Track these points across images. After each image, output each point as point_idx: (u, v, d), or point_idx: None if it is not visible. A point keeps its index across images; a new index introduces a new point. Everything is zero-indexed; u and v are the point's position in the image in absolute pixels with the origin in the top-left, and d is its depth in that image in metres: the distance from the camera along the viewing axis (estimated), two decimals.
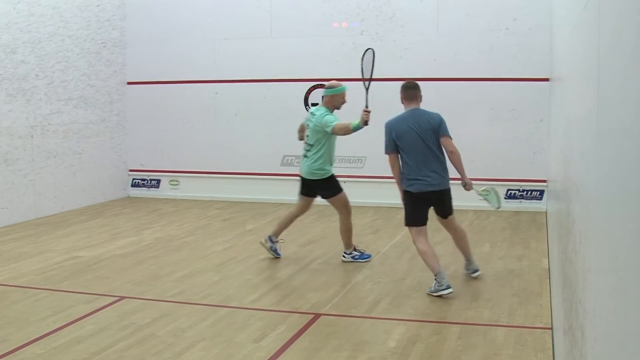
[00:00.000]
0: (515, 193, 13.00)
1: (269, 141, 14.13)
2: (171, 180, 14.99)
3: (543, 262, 9.19)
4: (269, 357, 5.98)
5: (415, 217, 8.15)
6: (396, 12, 13.37)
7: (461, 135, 13.03)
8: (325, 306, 7.46)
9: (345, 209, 9.39)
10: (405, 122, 8.21)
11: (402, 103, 8.47)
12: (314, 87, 13.83)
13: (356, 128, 9.02)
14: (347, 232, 9.38)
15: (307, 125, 9.47)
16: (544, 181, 12.63)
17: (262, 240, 9.56)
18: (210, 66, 14.48)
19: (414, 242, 8.14)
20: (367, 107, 9.09)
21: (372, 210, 13.10)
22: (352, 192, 13.55)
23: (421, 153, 8.09)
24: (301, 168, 9.54)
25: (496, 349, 6.15)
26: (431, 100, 13.08)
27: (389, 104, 13.53)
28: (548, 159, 11.98)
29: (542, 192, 12.82)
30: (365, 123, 8.93)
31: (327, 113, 9.34)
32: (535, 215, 12.40)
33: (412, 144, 8.12)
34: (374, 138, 13.46)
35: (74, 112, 13.59)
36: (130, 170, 15.26)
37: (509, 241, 10.52)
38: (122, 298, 7.79)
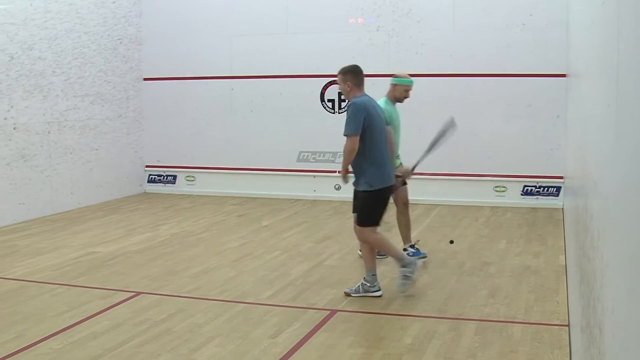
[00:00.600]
0: (531, 189, 12.95)
1: (285, 137, 14.13)
2: (187, 176, 15.01)
3: (560, 258, 9.15)
4: (285, 353, 5.98)
5: (378, 215, 7.78)
6: (412, 7, 13.34)
7: (477, 132, 13.07)
8: (341, 302, 7.45)
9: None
10: (373, 106, 7.68)
11: (349, 89, 7.69)
12: (330, 83, 13.82)
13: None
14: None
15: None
16: (561, 177, 12.58)
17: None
18: (226, 62, 14.48)
19: (366, 239, 7.72)
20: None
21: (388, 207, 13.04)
22: None
23: (383, 143, 7.70)
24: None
25: (512, 345, 6.13)
26: (447, 96, 13.13)
27: (408, 101, 13.55)
28: (565, 155, 11.94)
29: (558, 188, 12.77)
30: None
31: (385, 105, 8.72)
32: (552, 212, 12.35)
33: (380, 132, 7.63)
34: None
35: (90, 108, 13.62)
36: (147, 166, 15.29)
37: (526, 238, 10.48)
38: (138, 294, 7.81)
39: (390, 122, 8.50)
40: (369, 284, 7.62)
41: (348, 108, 7.60)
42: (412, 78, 9.01)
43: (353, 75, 7.74)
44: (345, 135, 7.47)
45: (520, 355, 5.90)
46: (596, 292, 3.36)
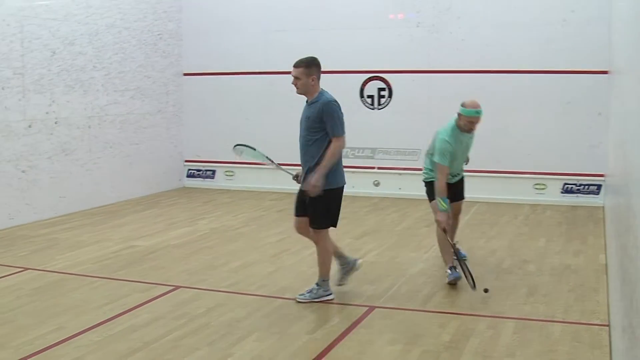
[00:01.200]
0: (572, 187, 12.84)
1: None
2: (226, 171, 15.07)
3: (600, 257, 9.06)
4: (323, 349, 5.98)
5: (337, 215, 7.47)
6: (452, 3, 13.26)
7: (517, 128, 12.99)
8: (379, 299, 7.43)
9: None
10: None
11: (313, 83, 7.35)
12: (370, 79, 13.80)
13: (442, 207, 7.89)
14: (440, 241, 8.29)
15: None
16: (602, 175, 12.46)
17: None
18: (264, 58, 14.50)
19: (323, 243, 7.40)
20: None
21: (427, 203, 12.96)
22: (407, 185, 13.59)
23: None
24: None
25: (552, 345, 6.08)
26: (487, 92, 13.03)
27: (448, 97, 13.50)
28: (606, 152, 11.83)
29: (599, 186, 12.64)
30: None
31: (443, 136, 8.12)
32: (592, 210, 12.23)
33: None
34: (431, 131, 13.44)
35: (130, 103, 13.72)
36: (186, 161, 15.37)
37: (566, 236, 10.39)
38: (177, 287, 7.85)
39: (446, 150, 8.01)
40: (322, 289, 7.37)
41: (324, 107, 7.21)
42: (480, 109, 8.12)
43: (318, 68, 7.38)
44: (337, 136, 7.16)
45: (560, 355, 5.85)
46: (639, 293, 3.33)
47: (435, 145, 8.15)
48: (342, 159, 7.42)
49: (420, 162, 13.52)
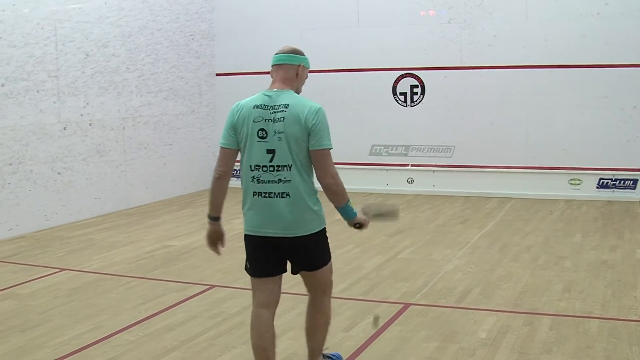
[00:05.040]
0: (607, 182, 12.72)
1: (357, 131, 14.13)
2: None
3: (637, 252, 8.99)
4: (359, 346, 5.97)
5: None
6: None
7: (551, 124, 12.91)
8: (414, 296, 7.41)
9: None
10: None
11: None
12: (402, 77, 13.77)
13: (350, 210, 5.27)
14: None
15: None
16: (638, 170, 12.35)
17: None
18: None
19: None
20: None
21: (461, 200, 12.99)
22: (441, 182, 13.56)
23: None
24: None
25: (589, 341, 6.03)
26: (520, 88, 12.99)
27: (481, 94, 13.46)
28: None
29: (635, 181, 12.52)
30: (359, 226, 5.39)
31: None
32: (628, 205, 12.12)
33: None
34: (464, 127, 13.41)
35: (164, 103, 13.79)
36: None
37: (602, 231, 10.30)
38: (212, 287, 7.88)
39: None
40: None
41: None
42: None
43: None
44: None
45: (597, 351, 5.79)
46: None
47: None
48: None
49: (454, 159, 13.55)
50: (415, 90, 13.73)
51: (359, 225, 5.29)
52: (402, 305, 7.12)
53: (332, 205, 5.07)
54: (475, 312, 6.86)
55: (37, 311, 7.15)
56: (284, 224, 4.91)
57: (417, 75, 13.69)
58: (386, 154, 13.95)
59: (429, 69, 13.64)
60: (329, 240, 5.25)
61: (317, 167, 4.90)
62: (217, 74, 15.29)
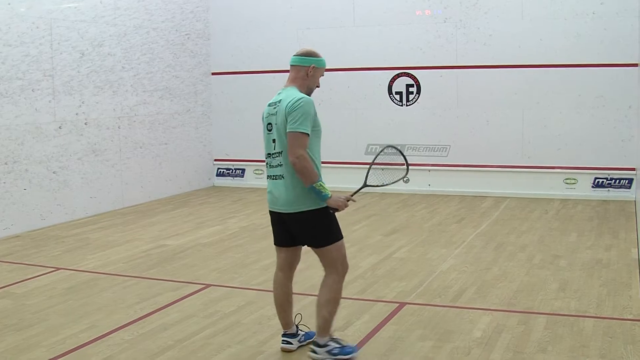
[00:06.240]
0: (603, 182, 12.74)
1: (352, 130, 14.14)
2: (256, 170, 15.10)
3: (632, 252, 8.99)
4: (354, 345, 5.97)
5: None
6: None
7: (547, 123, 12.93)
8: (409, 295, 7.42)
9: None
10: None
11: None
12: (397, 76, 13.77)
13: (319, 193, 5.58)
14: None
15: None
16: (633, 169, 12.36)
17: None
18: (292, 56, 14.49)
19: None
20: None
21: (456, 199, 13.00)
22: (437, 181, 13.57)
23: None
24: None
25: (584, 340, 6.03)
26: (516, 87, 13.00)
27: (476, 93, 13.47)
28: (638, 146, 11.73)
29: (630, 180, 12.54)
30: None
31: None
32: (624, 205, 12.14)
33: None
34: (460, 126, 13.42)
35: (159, 103, 13.78)
36: (215, 160, 15.42)
37: (597, 231, 10.32)
38: (207, 286, 7.88)
39: None
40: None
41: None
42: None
43: None
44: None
45: (592, 350, 5.80)
46: None
47: None
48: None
49: (450, 158, 13.56)
50: (410, 89, 13.73)
51: (333, 210, 5.76)
52: (398, 304, 7.13)
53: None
54: (470, 312, 6.87)
55: (32, 310, 7.15)
56: (282, 201, 5.66)
57: (412, 75, 13.69)
58: (383, 153, 13.94)
59: (425, 68, 13.64)
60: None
61: (288, 148, 5.53)
62: (213, 73, 15.28)
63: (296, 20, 14.48)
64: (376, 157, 6.52)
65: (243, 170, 15.24)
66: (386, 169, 6.58)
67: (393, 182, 6.41)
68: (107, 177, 12.53)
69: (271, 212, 5.88)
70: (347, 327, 6.46)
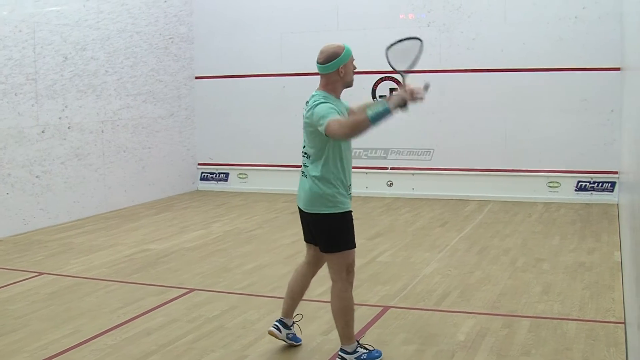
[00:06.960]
0: (586, 185, 12.79)
1: None
2: (239, 174, 15.08)
3: (615, 255, 9.03)
4: (338, 349, 5.97)
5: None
6: (463, 2, 13.25)
7: (530, 127, 12.97)
8: (393, 299, 7.43)
9: None
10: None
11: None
12: (381, 80, 13.78)
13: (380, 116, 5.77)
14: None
15: None
16: (616, 173, 12.42)
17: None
18: (277, 60, 14.51)
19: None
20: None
21: (440, 203, 13.02)
22: (420, 185, 13.59)
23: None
24: None
25: (567, 343, 6.06)
26: (499, 91, 13.03)
27: (460, 97, 13.49)
28: (620, 150, 11.78)
29: (613, 183, 12.59)
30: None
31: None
32: (606, 208, 12.19)
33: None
34: (443, 130, 13.45)
35: (143, 107, 13.75)
36: (199, 164, 15.39)
37: (580, 234, 10.36)
38: (191, 290, 7.86)
39: None
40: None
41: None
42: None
43: None
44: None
45: (575, 353, 5.82)
46: None
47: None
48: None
49: (434, 162, 13.58)
50: (394, 93, 13.73)
51: (403, 107, 6.04)
52: (381, 308, 7.13)
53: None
54: (454, 315, 6.88)
55: (14, 315, 7.11)
56: (303, 199, 5.72)
57: (396, 79, 13.70)
58: (365, 157, 13.96)
59: (408, 72, 13.64)
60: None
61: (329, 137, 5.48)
62: (197, 77, 15.26)
63: (280, 23, 14.48)
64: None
65: (227, 174, 15.22)
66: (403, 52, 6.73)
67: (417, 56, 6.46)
68: (90, 182, 12.49)
69: (298, 208, 5.89)
70: (331, 330, 6.45)
